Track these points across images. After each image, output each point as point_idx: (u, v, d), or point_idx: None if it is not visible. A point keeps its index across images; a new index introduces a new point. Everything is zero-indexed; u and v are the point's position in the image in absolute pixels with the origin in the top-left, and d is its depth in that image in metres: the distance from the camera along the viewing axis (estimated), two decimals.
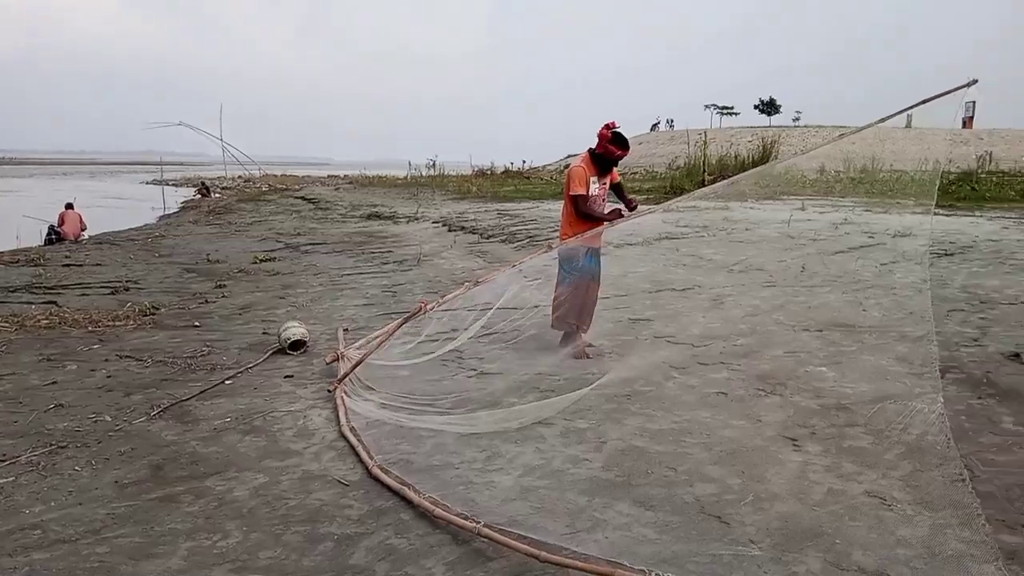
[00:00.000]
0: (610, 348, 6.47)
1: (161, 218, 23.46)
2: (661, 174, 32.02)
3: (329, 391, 5.39)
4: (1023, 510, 3.49)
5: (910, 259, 10.48)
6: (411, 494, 3.76)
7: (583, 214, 6.02)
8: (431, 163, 44.34)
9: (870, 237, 12.48)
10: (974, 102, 59.14)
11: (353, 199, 28.81)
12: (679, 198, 7.53)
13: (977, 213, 15.81)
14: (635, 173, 37.29)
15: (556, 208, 20.84)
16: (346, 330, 7.22)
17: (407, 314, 5.96)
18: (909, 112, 5.08)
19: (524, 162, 49.62)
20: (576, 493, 3.81)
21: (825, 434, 4.50)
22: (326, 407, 5.19)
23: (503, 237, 14.79)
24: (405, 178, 39.96)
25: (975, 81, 4.46)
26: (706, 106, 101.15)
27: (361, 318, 8.06)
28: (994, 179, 24.45)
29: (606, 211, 6.12)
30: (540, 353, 6.24)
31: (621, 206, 6.16)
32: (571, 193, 6.01)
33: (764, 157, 25.65)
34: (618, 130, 5.96)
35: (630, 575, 2.90)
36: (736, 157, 26.63)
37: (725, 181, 6.64)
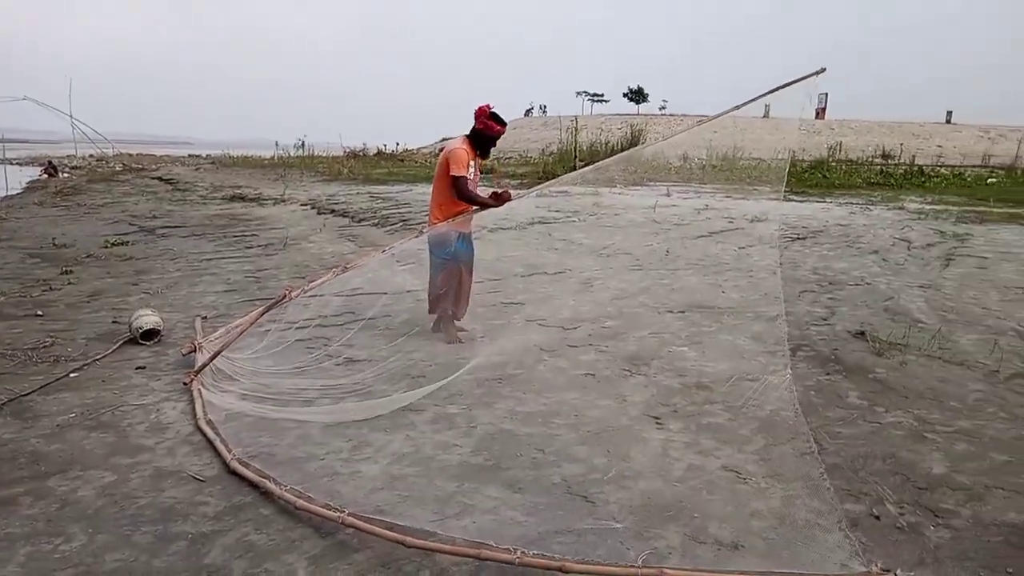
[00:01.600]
0: (482, 332, 6.46)
1: (2, 199, 21.64)
2: (535, 159, 32.43)
3: (185, 383, 5.10)
4: (866, 480, 3.72)
5: (765, 243, 11.05)
6: (271, 487, 3.62)
7: (464, 197, 5.94)
8: (300, 143, 43.00)
9: (730, 222, 13.07)
10: (826, 94, 63.25)
11: (215, 180, 27.51)
12: (550, 182, 7.58)
13: (828, 199, 16.84)
14: (509, 158, 37.56)
15: (430, 191, 20.70)
16: (204, 318, 6.88)
17: (270, 301, 5.74)
18: (767, 102, 5.32)
19: (398, 144, 48.90)
20: (445, 479, 3.78)
21: (686, 412, 4.66)
22: (181, 400, 4.92)
23: (375, 221, 14.53)
24: (272, 159, 38.51)
25: (823, 70, 4.72)
26: (578, 93, 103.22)
27: (222, 305, 7.69)
28: (843, 167, 26.15)
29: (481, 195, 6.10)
30: (411, 339, 6.16)
31: (499, 190, 6.14)
32: (453, 174, 5.87)
33: (632, 143, 26.44)
34: (494, 110, 5.94)
35: (496, 555, 2.91)
36: (606, 144, 27.30)
37: (593, 165, 6.74)
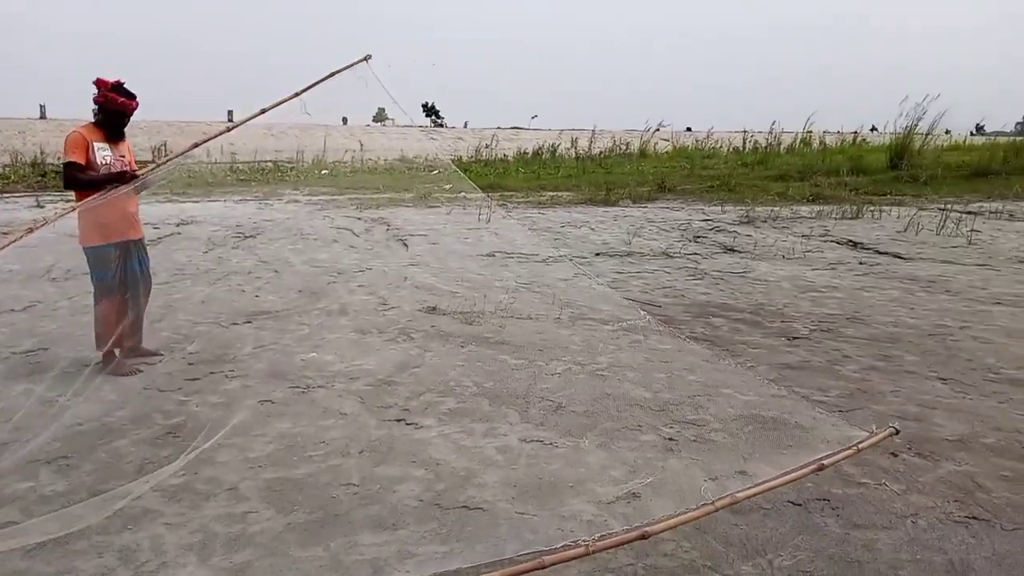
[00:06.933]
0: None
1: None
2: None
3: None
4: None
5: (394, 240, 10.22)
6: None
7: (72, 185, 4.79)
8: None
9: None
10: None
11: None
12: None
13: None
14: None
15: None
16: None
17: None
18: (301, 94, 4.63)
19: None
20: None
21: (684, 437, 4.10)
22: None
23: None
24: None
25: (369, 56, 4.51)
26: None
27: None
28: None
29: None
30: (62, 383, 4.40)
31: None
32: (62, 161, 4.77)
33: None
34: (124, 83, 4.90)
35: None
36: None
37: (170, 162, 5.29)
